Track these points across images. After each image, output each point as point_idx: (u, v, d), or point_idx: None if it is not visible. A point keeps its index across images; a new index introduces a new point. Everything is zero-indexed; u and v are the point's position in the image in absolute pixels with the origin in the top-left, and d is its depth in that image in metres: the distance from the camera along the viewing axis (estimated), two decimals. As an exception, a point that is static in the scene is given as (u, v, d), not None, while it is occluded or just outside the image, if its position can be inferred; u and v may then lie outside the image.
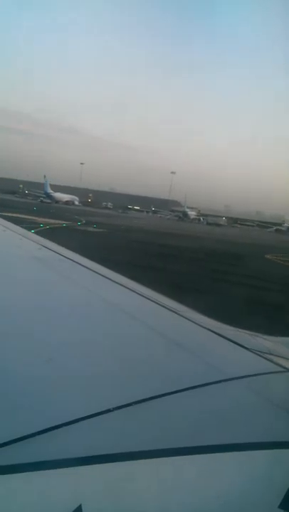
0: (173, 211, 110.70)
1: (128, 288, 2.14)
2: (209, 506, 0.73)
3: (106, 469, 0.72)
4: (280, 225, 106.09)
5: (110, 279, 2.28)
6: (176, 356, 1.32)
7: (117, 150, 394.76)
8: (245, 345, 1.48)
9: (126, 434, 0.83)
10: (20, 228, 3.95)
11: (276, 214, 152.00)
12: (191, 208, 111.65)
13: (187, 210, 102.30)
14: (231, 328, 1.80)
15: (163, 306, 1.91)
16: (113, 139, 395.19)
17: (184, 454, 0.79)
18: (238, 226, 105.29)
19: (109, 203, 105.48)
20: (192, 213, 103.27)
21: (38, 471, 0.68)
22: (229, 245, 31.04)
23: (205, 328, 1.66)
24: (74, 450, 0.75)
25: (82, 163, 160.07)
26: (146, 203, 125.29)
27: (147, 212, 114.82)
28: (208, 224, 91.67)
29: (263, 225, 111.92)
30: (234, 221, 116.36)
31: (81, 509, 0.63)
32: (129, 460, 0.74)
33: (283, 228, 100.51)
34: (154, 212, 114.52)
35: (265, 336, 1.81)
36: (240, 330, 1.82)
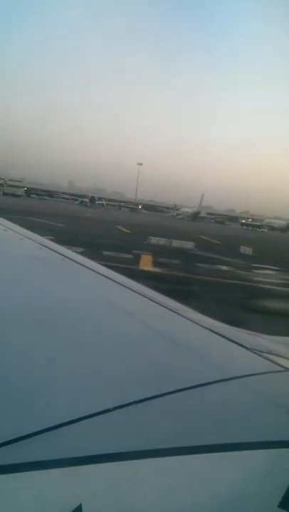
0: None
1: (129, 288, 2.15)
2: (209, 506, 0.73)
3: (106, 468, 0.72)
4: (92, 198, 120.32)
5: (111, 279, 2.29)
6: (176, 356, 1.32)
7: None
8: (245, 345, 1.48)
9: (126, 433, 0.83)
10: (22, 228, 3.86)
11: (116, 192, 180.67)
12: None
13: None
14: (231, 327, 1.82)
15: (163, 306, 1.91)
16: None
17: (184, 454, 0.78)
18: (48, 199, 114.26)
19: None
20: None
21: (38, 471, 0.67)
22: None
23: (204, 327, 1.68)
24: (74, 449, 0.74)
25: None
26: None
27: None
28: (4, 194, 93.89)
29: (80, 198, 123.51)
30: (50, 194, 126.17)
31: (81, 508, 0.62)
32: (129, 460, 0.74)
33: (87, 201, 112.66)
34: None
35: (265, 336, 1.83)
36: (240, 329, 1.84)
